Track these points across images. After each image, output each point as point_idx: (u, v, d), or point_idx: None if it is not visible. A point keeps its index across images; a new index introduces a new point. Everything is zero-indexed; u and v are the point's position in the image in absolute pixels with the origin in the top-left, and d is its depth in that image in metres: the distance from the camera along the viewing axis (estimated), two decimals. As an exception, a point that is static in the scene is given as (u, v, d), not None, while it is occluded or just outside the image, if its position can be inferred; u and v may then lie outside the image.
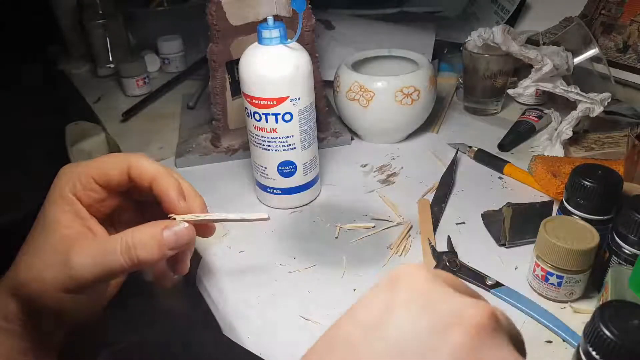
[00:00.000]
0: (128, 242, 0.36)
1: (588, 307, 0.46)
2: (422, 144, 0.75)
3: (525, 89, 0.73)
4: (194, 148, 0.73)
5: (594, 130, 0.71)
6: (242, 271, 0.53)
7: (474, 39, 0.78)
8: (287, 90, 0.54)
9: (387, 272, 0.25)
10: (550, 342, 0.44)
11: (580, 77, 0.75)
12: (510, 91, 0.75)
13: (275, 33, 0.53)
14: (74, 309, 0.37)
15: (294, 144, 0.57)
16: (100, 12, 1.01)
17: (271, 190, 0.60)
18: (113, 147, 0.82)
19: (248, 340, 0.45)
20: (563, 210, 0.49)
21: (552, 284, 0.46)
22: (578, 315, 0.46)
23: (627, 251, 0.43)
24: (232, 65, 0.68)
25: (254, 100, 0.55)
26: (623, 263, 0.43)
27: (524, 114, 0.78)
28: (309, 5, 0.65)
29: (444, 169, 0.66)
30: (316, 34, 0.74)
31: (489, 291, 0.48)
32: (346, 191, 0.65)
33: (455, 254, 0.53)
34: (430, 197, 0.62)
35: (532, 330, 0.45)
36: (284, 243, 0.56)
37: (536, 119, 0.75)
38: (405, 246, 0.55)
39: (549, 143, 0.70)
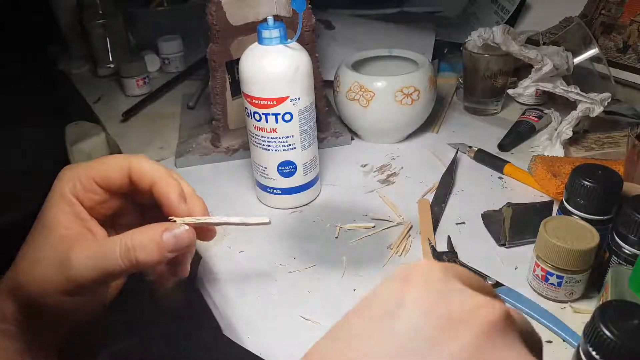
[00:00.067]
0: (127, 243, 0.35)
1: (588, 307, 0.46)
2: (422, 144, 0.75)
3: (525, 89, 0.73)
4: (194, 148, 0.73)
5: (594, 130, 0.71)
6: (242, 271, 0.53)
7: (474, 39, 0.78)
8: (287, 90, 0.54)
9: (397, 268, 0.24)
10: (550, 342, 0.44)
11: (580, 77, 0.75)
12: (510, 91, 0.75)
13: (275, 33, 0.53)
14: (74, 310, 0.37)
15: (294, 144, 0.57)
16: (100, 12, 1.01)
17: (271, 190, 0.60)
18: (113, 147, 0.82)
19: (248, 340, 0.45)
20: (563, 210, 0.49)
21: (552, 284, 0.46)
22: (578, 315, 0.46)
23: (627, 251, 0.43)
24: (232, 65, 0.68)
25: (254, 100, 0.55)
26: (623, 263, 0.43)
27: (524, 114, 0.78)
28: (309, 5, 0.65)
29: (444, 169, 0.66)
30: (316, 34, 0.74)
31: (489, 291, 0.48)
32: (346, 191, 0.65)
33: (455, 254, 0.53)
34: (430, 197, 0.62)
35: (532, 330, 0.45)
36: (284, 243, 0.56)
37: (536, 119, 0.75)
38: (405, 246, 0.55)
39: (549, 143, 0.70)
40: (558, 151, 0.68)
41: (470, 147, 0.70)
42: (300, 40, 0.55)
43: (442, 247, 0.54)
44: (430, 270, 0.23)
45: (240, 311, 0.48)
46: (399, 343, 0.21)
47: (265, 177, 0.60)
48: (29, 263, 0.36)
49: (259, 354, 0.44)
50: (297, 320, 0.47)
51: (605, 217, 0.46)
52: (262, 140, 0.57)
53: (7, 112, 0.95)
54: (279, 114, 0.55)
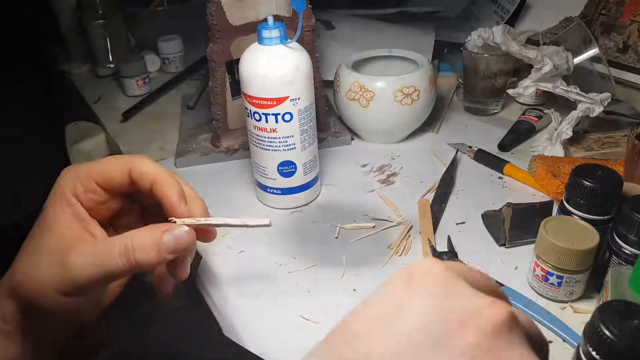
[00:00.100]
0: (127, 244, 0.35)
1: (588, 307, 0.46)
2: (422, 144, 0.75)
3: (525, 89, 0.73)
4: (194, 148, 0.73)
5: (594, 130, 0.71)
6: (242, 271, 0.53)
7: (474, 39, 0.78)
8: (287, 90, 0.54)
9: (402, 269, 0.24)
10: (550, 342, 0.44)
11: (580, 77, 0.75)
12: (510, 91, 0.75)
13: (275, 33, 0.53)
14: (73, 311, 0.37)
15: (294, 144, 0.57)
16: (100, 12, 1.01)
17: (271, 190, 0.60)
18: (113, 147, 0.82)
19: (248, 340, 0.45)
20: (563, 210, 0.49)
21: (552, 284, 0.46)
22: (578, 315, 0.46)
23: (627, 251, 0.43)
24: (232, 65, 0.68)
25: (254, 100, 0.55)
26: (623, 263, 0.43)
27: (524, 114, 0.78)
28: (309, 5, 0.65)
29: (444, 169, 0.66)
30: (316, 34, 0.74)
31: (489, 291, 0.48)
32: (346, 191, 0.65)
33: (455, 254, 0.53)
34: (430, 197, 0.62)
35: (532, 330, 0.45)
36: (284, 243, 0.56)
37: (536, 119, 0.75)
38: (405, 246, 0.55)
39: (549, 143, 0.70)
40: (558, 151, 0.68)
41: (470, 147, 0.70)
42: (300, 40, 0.55)
43: (442, 247, 0.54)
44: (434, 270, 0.23)
45: (240, 311, 0.48)
46: (402, 343, 0.21)
47: (265, 177, 0.60)
48: (29, 263, 0.36)
49: (259, 354, 0.44)
50: (297, 320, 0.47)
51: (605, 217, 0.46)
52: (262, 140, 0.57)
53: (7, 112, 0.95)
54: (279, 114, 0.55)
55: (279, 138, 0.56)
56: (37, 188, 0.44)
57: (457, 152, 0.70)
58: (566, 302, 0.47)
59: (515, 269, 0.51)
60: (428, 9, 1.17)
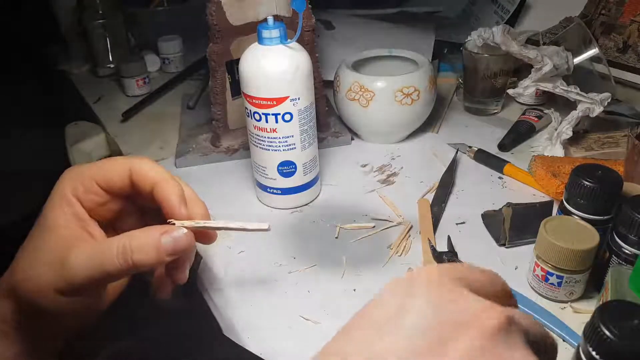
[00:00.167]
0: (125, 244, 0.35)
1: (588, 307, 0.46)
2: (422, 144, 0.75)
3: (525, 89, 0.73)
4: (194, 148, 0.73)
5: (594, 130, 0.71)
6: (242, 271, 0.53)
7: (474, 39, 0.78)
8: (287, 90, 0.54)
9: (406, 274, 0.25)
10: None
11: (580, 77, 0.75)
12: (510, 91, 0.75)
13: (275, 33, 0.53)
14: (72, 312, 0.37)
15: (294, 144, 0.57)
16: (100, 12, 1.01)
17: (271, 190, 0.60)
18: (113, 147, 0.82)
19: (248, 340, 0.45)
20: (563, 210, 0.49)
21: (552, 284, 0.46)
22: (578, 315, 0.46)
23: (627, 251, 0.43)
24: (232, 65, 0.68)
25: (254, 100, 0.55)
26: (623, 263, 0.43)
27: (524, 114, 0.78)
28: (309, 5, 0.65)
29: (444, 169, 0.66)
30: (316, 34, 0.74)
31: (489, 291, 0.48)
32: (346, 191, 0.65)
33: (455, 254, 0.53)
34: (430, 197, 0.62)
35: (532, 330, 0.45)
36: (284, 243, 0.56)
37: (536, 119, 0.75)
38: (405, 246, 0.55)
39: (549, 143, 0.70)
40: (558, 151, 0.68)
41: (470, 147, 0.70)
42: (300, 40, 0.55)
43: (442, 247, 0.54)
44: (432, 276, 0.24)
45: (240, 311, 0.48)
46: (402, 346, 0.21)
47: (265, 177, 0.60)
48: (28, 263, 0.36)
49: (259, 354, 0.44)
50: (297, 320, 0.47)
51: (605, 217, 0.46)
52: (262, 140, 0.57)
53: (7, 112, 0.95)
54: (279, 114, 0.55)
55: (279, 138, 0.56)
56: (37, 188, 0.44)
57: (457, 152, 0.70)
58: (566, 302, 0.47)
59: (515, 269, 0.51)
60: (428, 9, 1.17)
